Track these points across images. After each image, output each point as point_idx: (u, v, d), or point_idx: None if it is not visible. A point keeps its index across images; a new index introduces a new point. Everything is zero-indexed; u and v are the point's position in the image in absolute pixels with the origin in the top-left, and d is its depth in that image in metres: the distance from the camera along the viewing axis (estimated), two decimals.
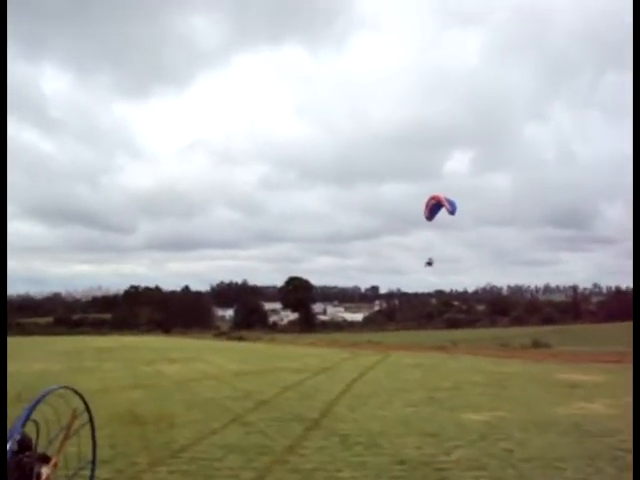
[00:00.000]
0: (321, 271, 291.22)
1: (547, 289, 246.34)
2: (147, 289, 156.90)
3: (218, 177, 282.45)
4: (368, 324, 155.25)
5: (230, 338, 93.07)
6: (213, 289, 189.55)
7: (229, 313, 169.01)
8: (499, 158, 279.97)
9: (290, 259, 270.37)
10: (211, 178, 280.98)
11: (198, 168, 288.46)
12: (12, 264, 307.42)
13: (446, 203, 24.75)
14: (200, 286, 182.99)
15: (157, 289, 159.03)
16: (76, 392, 6.63)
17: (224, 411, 19.46)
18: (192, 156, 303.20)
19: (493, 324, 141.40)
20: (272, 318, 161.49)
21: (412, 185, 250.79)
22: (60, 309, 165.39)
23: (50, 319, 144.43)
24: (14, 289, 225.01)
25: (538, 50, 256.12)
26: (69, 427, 6.45)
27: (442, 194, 25.38)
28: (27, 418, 5.43)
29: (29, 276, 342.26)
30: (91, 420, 6.93)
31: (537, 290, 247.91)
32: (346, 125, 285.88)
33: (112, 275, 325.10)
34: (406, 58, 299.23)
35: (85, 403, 6.74)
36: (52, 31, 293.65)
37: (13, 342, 79.54)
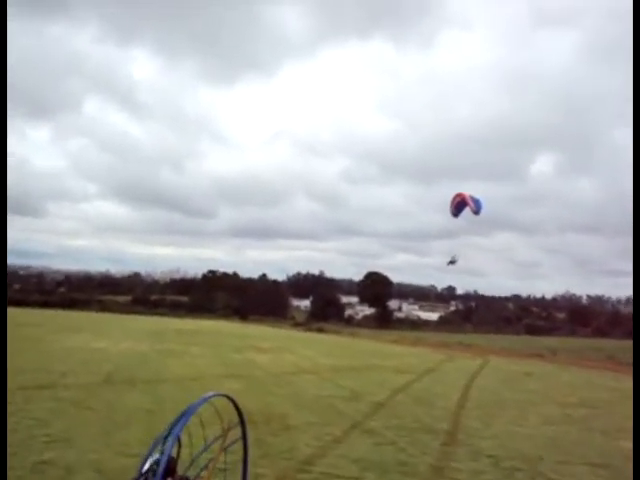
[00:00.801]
0: (398, 268, 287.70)
1: (629, 301, 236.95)
2: (225, 274, 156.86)
3: (300, 168, 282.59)
4: (444, 324, 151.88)
5: (309, 329, 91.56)
6: (289, 279, 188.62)
7: (304, 304, 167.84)
8: (587, 162, 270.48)
9: (367, 254, 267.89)
10: (293, 168, 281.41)
11: (281, 157, 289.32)
12: (94, 242, 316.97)
13: (471, 202, 24.26)
14: (277, 275, 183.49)
15: (235, 275, 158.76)
16: (233, 402, 4.40)
17: (338, 414, 17.47)
18: (276, 145, 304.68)
19: (573, 334, 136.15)
20: (348, 312, 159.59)
21: (495, 186, 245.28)
22: (139, 289, 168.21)
23: (129, 298, 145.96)
24: (95, 266, 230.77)
25: (631, 54, 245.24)
26: (222, 443, 4.55)
27: (468, 193, 24.87)
28: (177, 434, 3.52)
29: (110, 255, 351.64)
30: (244, 436, 4.67)
31: (619, 301, 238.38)
32: (430, 122, 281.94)
33: (191, 259, 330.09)
34: (494, 57, 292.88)
35: (240, 415, 4.49)
36: (143, 16, 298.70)
37: (95, 318, 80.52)
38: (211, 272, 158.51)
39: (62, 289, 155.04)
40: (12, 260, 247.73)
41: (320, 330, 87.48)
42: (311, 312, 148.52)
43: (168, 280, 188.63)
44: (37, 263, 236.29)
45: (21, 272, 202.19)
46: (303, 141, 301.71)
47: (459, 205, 24.95)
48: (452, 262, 26.88)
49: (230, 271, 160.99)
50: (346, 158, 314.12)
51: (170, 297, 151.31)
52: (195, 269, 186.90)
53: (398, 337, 72.12)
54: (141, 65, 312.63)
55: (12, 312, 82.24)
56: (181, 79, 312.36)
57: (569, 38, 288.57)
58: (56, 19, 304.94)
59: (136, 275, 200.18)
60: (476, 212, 24.50)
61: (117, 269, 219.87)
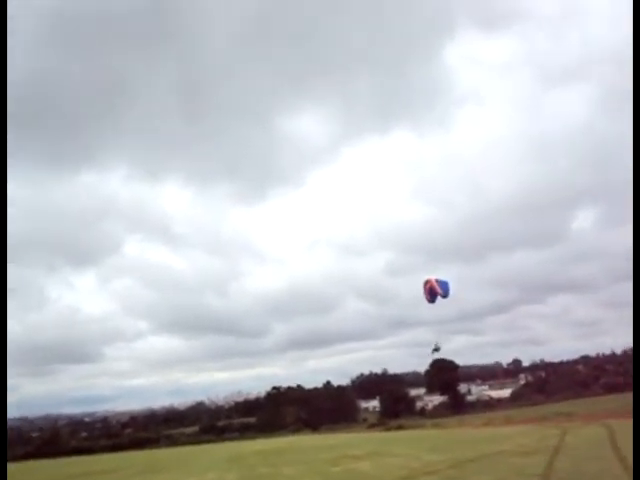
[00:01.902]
0: (458, 351, 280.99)
1: None
2: (289, 389, 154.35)
3: (344, 270, 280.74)
4: (517, 399, 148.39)
5: (388, 428, 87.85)
6: (354, 382, 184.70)
7: (372, 404, 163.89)
8: (625, 211, 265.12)
9: (425, 343, 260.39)
10: (337, 272, 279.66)
11: (323, 264, 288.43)
12: (153, 379, 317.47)
13: (437, 287, 25.32)
14: (341, 380, 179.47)
15: (299, 387, 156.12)
16: None
17: None
18: (315, 253, 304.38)
19: None
20: (418, 404, 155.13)
21: (540, 251, 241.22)
22: (205, 417, 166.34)
23: (196, 428, 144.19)
24: (158, 402, 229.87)
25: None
26: None
27: (434, 277, 26.13)
28: None
29: (171, 388, 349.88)
30: None
31: None
32: (463, 200, 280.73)
33: (252, 379, 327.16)
34: (512, 125, 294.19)
35: None
36: (169, 150, 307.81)
37: (167, 454, 77.82)
38: (275, 389, 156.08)
39: (128, 430, 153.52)
40: (76, 409, 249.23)
41: (400, 427, 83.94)
42: (382, 411, 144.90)
43: (232, 404, 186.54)
44: (101, 408, 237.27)
45: (86, 419, 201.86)
46: (341, 243, 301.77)
47: (431, 291, 26.02)
48: (436, 349, 28.45)
49: (294, 384, 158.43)
50: (387, 251, 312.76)
51: (237, 420, 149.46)
52: (257, 388, 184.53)
53: (487, 420, 68.39)
54: (173, 197, 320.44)
55: (81, 460, 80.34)
56: (213, 204, 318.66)
57: (580, 92, 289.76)
58: (86, 168, 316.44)
59: (200, 404, 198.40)
60: (444, 295, 25.50)
61: (180, 401, 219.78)
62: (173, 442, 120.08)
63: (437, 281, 25.82)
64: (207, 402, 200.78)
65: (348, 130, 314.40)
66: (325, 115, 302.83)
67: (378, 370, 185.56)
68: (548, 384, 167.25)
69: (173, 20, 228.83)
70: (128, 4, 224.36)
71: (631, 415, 44.15)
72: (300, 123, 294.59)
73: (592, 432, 34.53)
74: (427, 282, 26.36)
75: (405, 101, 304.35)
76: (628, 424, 37.48)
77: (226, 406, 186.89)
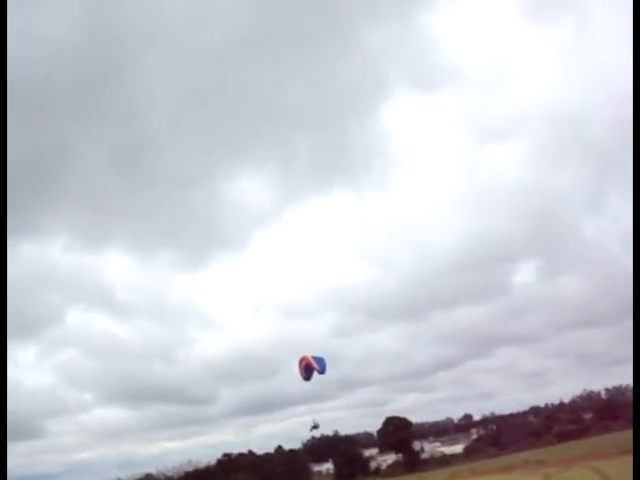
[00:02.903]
0: (408, 409, 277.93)
1: None
2: (240, 455, 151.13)
3: (290, 332, 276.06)
4: (470, 453, 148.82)
5: None
6: (305, 445, 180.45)
7: (326, 467, 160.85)
8: (566, 260, 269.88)
9: (375, 402, 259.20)
10: (283, 335, 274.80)
11: (269, 327, 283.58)
12: (100, 451, 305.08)
13: (314, 363, 25.41)
14: (292, 444, 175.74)
15: (250, 453, 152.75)
16: None
17: None
18: (260, 317, 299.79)
19: (607, 430, 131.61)
20: (372, 464, 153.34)
21: (484, 305, 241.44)
22: None
23: None
24: (105, 476, 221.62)
25: (580, 146, 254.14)
26: None
27: (310, 354, 26.05)
28: None
29: (119, 461, 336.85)
30: None
31: None
32: (406, 260, 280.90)
33: (201, 447, 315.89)
34: (450, 183, 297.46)
35: None
36: (109, 219, 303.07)
37: None
38: (226, 455, 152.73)
39: None
40: None
41: None
42: (336, 474, 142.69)
43: (182, 473, 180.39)
44: None
45: None
46: (286, 306, 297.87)
47: (307, 368, 25.94)
48: (315, 427, 29.11)
49: (245, 450, 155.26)
50: (331, 313, 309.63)
51: None
52: (208, 456, 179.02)
53: (450, 473, 67.26)
54: (116, 265, 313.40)
55: None
56: (157, 271, 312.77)
57: (515, 148, 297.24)
58: (24, 237, 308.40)
59: (148, 476, 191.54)
60: (321, 372, 25.40)
61: (128, 474, 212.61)
62: None
63: (314, 357, 25.92)
64: (155, 473, 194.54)
65: (289, 192, 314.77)
66: (265, 178, 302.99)
67: (329, 432, 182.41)
68: (500, 436, 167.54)
69: (115, 87, 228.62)
70: (68, 70, 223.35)
71: (610, 456, 44.22)
72: (240, 187, 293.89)
73: (576, 475, 34.06)
74: (302, 359, 26.39)
75: (344, 162, 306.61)
76: (613, 463, 37.30)
77: (176, 476, 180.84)
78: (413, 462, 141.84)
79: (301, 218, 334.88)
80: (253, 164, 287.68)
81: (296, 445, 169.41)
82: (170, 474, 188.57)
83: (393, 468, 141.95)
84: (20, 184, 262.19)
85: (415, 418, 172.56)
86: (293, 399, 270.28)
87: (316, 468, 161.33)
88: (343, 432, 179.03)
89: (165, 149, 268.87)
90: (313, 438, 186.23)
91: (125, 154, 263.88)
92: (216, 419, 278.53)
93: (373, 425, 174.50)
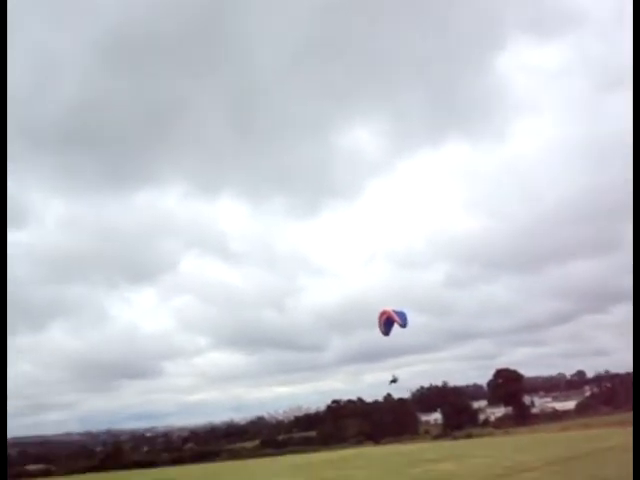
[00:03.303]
0: (519, 363, 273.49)
1: None
2: (349, 401, 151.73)
3: (401, 283, 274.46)
4: (582, 411, 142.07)
5: (455, 438, 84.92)
6: (414, 394, 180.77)
7: (433, 417, 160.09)
8: None
9: (486, 355, 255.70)
10: (395, 285, 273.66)
11: (381, 277, 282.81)
12: (214, 394, 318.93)
13: (396, 317, 24.66)
14: (401, 393, 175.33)
15: (359, 401, 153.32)
16: None
17: None
18: (373, 266, 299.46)
19: None
20: (481, 416, 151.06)
21: (600, 259, 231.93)
22: (265, 432, 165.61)
23: (257, 442, 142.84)
24: (218, 417, 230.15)
25: None
26: None
27: (391, 308, 25.25)
28: None
29: (231, 403, 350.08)
30: None
31: None
32: (520, 211, 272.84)
33: (311, 393, 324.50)
34: (567, 132, 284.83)
35: None
36: (224, 167, 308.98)
37: (229, 466, 76.53)
38: (335, 402, 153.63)
39: (189, 444, 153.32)
40: (137, 424, 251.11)
41: (469, 436, 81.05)
42: (445, 423, 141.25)
43: (292, 418, 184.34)
44: (161, 423, 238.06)
45: (148, 434, 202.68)
46: (398, 256, 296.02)
47: (387, 322, 25.38)
48: (394, 381, 28.30)
49: (354, 397, 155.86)
50: (444, 264, 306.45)
51: (297, 435, 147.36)
52: (317, 402, 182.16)
53: (562, 427, 65.04)
54: (229, 213, 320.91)
55: (142, 473, 79.49)
56: (269, 219, 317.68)
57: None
58: (142, 186, 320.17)
59: (260, 419, 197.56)
60: (402, 325, 24.86)
61: (240, 416, 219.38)
62: (234, 456, 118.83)
63: (395, 312, 25.12)
64: (267, 417, 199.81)
65: (401, 142, 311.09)
66: (378, 127, 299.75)
67: (438, 383, 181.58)
68: (615, 395, 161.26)
69: (223, 38, 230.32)
70: (178, 25, 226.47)
71: None
72: (353, 136, 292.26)
73: None
74: (383, 313, 25.80)
75: (458, 112, 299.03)
76: None
77: (286, 420, 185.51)
78: (523, 416, 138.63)
79: (414, 168, 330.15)
80: (366, 114, 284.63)
81: (405, 394, 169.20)
82: (280, 418, 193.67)
83: (502, 421, 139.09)
84: (137, 136, 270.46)
85: (526, 372, 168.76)
86: (404, 349, 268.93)
87: (424, 418, 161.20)
88: (452, 383, 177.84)
89: (278, 99, 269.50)
90: (422, 388, 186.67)
91: (238, 104, 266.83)
92: (326, 366, 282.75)
93: (483, 377, 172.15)
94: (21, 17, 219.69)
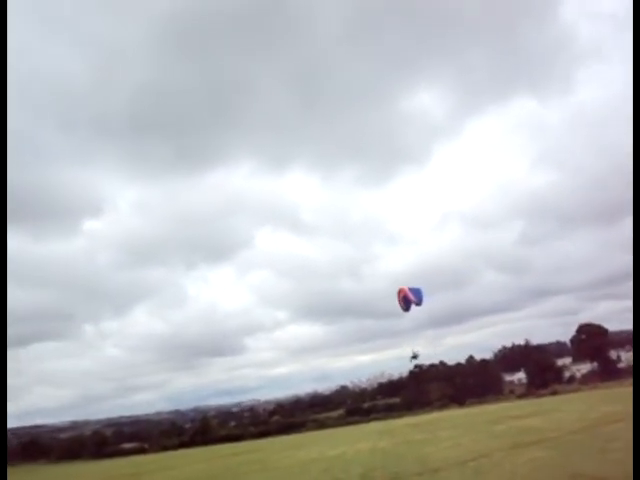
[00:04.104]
0: (602, 318, 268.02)
1: None
2: (432, 366, 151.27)
3: (477, 243, 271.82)
4: None
5: (539, 396, 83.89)
6: (496, 355, 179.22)
7: (517, 377, 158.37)
8: None
9: (568, 311, 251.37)
10: (470, 245, 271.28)
11: (455, 239, 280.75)
12: (296, 366, 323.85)
13: (410, 295, 24.97)
14: (483, 354, 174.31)
15: (442, 364, 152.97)
16: None
17: None
18: (446, 228, 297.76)
19: None
20: (566, 373, 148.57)
21: None
22: (349, 400, 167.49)
23: (342, 411, 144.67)
24: (302, 389, 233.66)
25: None
26: None
27: (406, 286, 25.52)
28: None
29: (314, 374, 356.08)
30: None
31: None
32: (593, 163, 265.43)
33: (393, 359, 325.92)
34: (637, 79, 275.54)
35: None
36: (293, 141, 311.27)
37: (315, 435, 77.64)
38: (417, 367, 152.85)
39: (276, 417, 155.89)
40: (223, 400, 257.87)
41: (554, 393, 79.91)
42: (528, 382, 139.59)
43: (376, 385, 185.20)
44: (247, 398, 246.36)
45: (234, 409, 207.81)
46: (471, 217, 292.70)
47: (405, 300, 25.46)
48: (414, 357, 28.70)
49: (436, 361, 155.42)
50: (519, 221, 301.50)
51: (382, 401, 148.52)
52: (399, 368, 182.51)
53: None
54: (299, 186, 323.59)
55: (231, 446, 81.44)
56: (340, 189, 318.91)
57: None
58: (211, 167, 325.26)
59: (343, 388, 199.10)
60: (417, 303, 25.05)
61: (324, 387, 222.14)
62: (320, 425, 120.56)
63: (410, 289, 25.30)
64: (350, 386, 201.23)
65: (468, 102, 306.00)
66: (443, 90, 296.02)
67: (520, 342, 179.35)
68: None
69: (285, 11, 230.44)
70: (240, 3, 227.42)
71: None
72: (420, 100, 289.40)
73: None
74: (400, 291, 25.74)
75: (523, 66, 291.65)
76: None
77: (369, 388, 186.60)
78: (609, 371, 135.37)
79: (481, 127, 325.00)
80: (431, 77, 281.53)
81: (487, 355, 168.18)
82: (364, 386, 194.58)
83: (588, 377, 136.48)
84: (204, 118, 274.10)
85: (610, 326, 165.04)
86: (483, 309, 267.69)
87: (508, 378, 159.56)
88: (535, 342, 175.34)
89: (340, 69, 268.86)
90: (504, 348, 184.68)
91: (301, 78, 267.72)
92: (406, 332, 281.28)
93: (566, 334, 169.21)
94: (87, 6, 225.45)
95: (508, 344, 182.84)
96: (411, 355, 28.32)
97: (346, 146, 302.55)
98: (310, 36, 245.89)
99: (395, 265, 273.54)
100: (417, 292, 25.20)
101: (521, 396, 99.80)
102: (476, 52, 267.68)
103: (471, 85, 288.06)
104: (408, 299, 25.30)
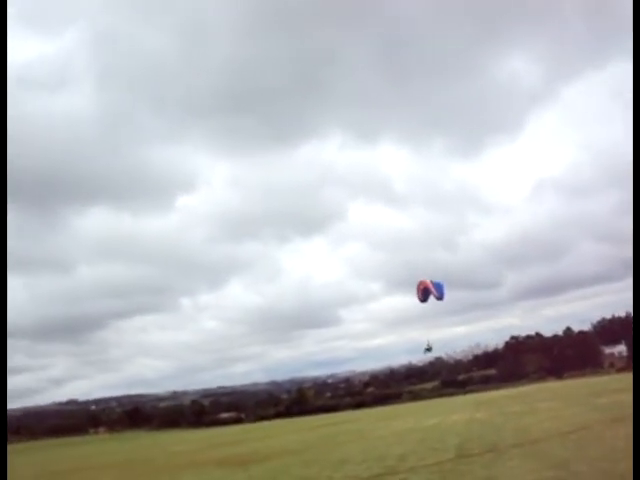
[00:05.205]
0: None
1: None
2: (528, 337, 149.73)
3: (573, 212, 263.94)
4: None
5: None
6: (595, 327, 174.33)
7: (618, 349, 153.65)
8: None
9: None
10: (566, 214, 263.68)
11: (549, 208, 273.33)
12: (391, 338, 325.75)
13: (432, 288, 25.22)
14: (581, 325, 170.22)
15: (538, 335, 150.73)
16: None
17: None
18: (540, 198, 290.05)
19: None
20: None
21: None
22: (444, 372, 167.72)
23: (436, 383, 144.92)
24: (397, 360, 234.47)
25: None
26: None
27: (429, 280, 25.70)
28: None
29: (409, 346, 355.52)
30: None
31: None
32: None
33: (488, 331, 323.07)
34: None
35: None
36: (382, 114, 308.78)
37: (411, 406, 78.05)
38: (513, 338, 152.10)
39: (370, 388, 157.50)
40: (318, 371, 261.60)
41: None
42: (629, 355, 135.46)
43: (471, 357, 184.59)
44: (342, 369, 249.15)
45: (329, 380, 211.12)
46: (566, 185, 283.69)
47: (424, 292, 25.68)
48: (428, 349, 28.02)
49: (532, 333, 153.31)
50: (616, 189, 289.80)
51: (477, 373, 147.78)
52: (495, 340, 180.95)
53: None
54: (390, 158, 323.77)
55: (327, 416, 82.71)
56: (431, 161, 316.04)
57: None
58: (303, 141, 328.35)
59: (438, 360, 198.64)
60: (439, 297, 25.32)
61: (418, 358, 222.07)
62: (415, 397, 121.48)
63: (432, 283, 25.30)
64: (445, 357, 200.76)
65: (560, 68, 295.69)
66: (535, 56, 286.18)
67: (621, 313, 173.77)
68: None
69: None
70: None
71: None
72: (511, 68, 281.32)
73: None
74: (421, 283, 25.76)
75: (619, 27, 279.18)
76: None
77: (465, 360, 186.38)
78: None
79: (575, 93, 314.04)
80: (521, 43, 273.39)
81: (586, 327, 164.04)
82: (459, 357, 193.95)
83: None
84: (293, 93, 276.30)
85: None
86: (580, 280, 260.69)
87: (608, 350, 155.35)
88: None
89: (429, 38, 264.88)
90: (604, 319, 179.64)
91: (389, 49, 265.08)
92: (502, 303, 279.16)
93: None
94: None
95: (608, 316, 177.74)
96: (425, 347, 27.79)
97: (437, 117, 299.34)
98: (399, 7, 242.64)
99: (489, 235, 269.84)
100: (439, 287, 25.36)
101: (621, 369, 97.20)
102: (569, 16, 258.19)
103: (564, 50, 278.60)
104: (428, 291, 25.47)
